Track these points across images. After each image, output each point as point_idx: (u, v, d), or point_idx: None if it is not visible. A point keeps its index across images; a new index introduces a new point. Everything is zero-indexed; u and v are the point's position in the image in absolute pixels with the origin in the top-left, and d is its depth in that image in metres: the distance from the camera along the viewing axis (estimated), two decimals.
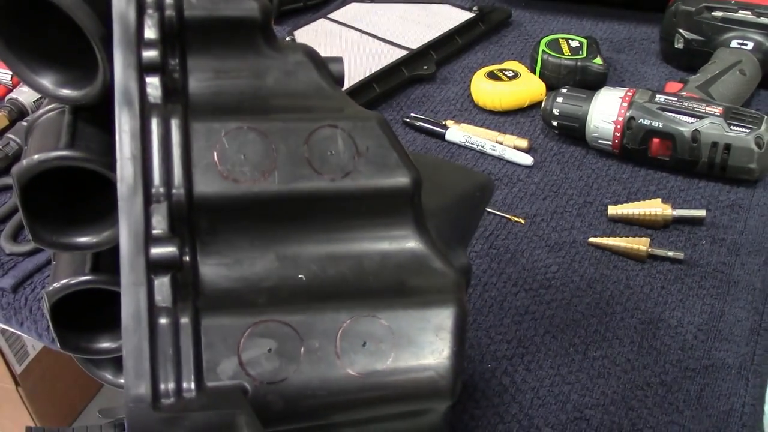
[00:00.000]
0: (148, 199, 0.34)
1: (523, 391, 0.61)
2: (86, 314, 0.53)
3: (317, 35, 1.04)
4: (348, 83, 0.91)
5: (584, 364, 0.63)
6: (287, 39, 1.04)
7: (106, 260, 0.50)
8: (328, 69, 0.41)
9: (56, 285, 0.50)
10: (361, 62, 0.97)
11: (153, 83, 0.36)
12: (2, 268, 0.76)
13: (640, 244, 0.72)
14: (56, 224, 0.48)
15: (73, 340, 0.54)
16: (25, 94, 0.96)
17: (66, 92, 0.45)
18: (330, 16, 1.09)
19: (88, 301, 0.51)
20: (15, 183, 0.44)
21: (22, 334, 0.85)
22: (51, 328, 0.52)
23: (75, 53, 0.44)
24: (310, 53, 0.40)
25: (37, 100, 0.96)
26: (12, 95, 0.97)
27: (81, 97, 0.45)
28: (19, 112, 0.95)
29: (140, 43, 0.36)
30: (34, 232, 0.46)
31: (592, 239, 0.74)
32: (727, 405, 0.59)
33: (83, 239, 0.48)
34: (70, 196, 0.50)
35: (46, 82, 0.45)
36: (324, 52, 0.42)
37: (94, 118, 0.47)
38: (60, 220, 0.48)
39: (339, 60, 0.41)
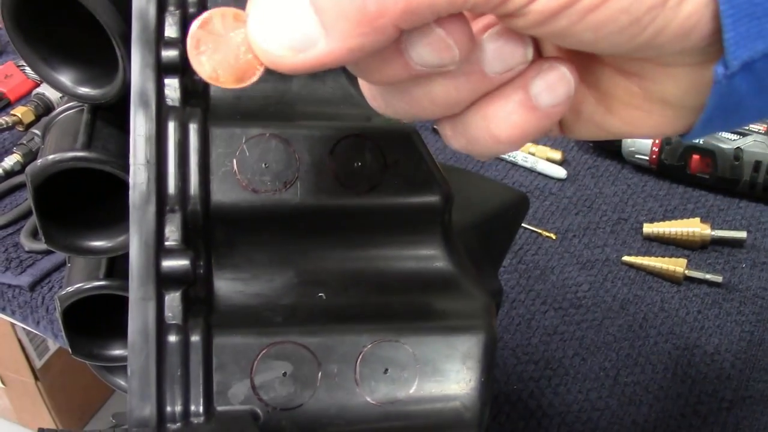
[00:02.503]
0: (162, 208, 0.32)
1: (549, 416, 0.58)
2: (99, 320, 0.51)
3: None
4: None
5: (615, 389, 0.60)
6: None
7: (122, 265, 0.48)
8: None
9: (69, 289, 0.48)
10: None
11: (172, 84, 0.34)
12: (21, 265, 0.75)
13: (676, 265, 0.69)
14: (71, 226, 0.46)
15: (85, 346, 0.52)
16: (52, 90, 0.95)
17: (85, 90, 0.44)
18: None
19: (102, 307, 0.49)
20: (28, 183, 0.42)
21: None
22: (55, 331, 0.50)
23: (95, 51, 0.42)
24: None
25: (63, 95, 0.95)
26: (39, 90, 0.96)
27: (100, 96, 0.44)
28: (45, 108, 0.94)
29: (160, 41, 0.34)
30: (47, 234, 0.45)
31: (626, 258, 0.71)
32: None
33: (97, 243, 0.46)
34: (87, 197, 0.48)
35: (65, 79, 0.44)
36: None
37: (113, 118, 0.46)
38: (75, 223, 0.46)
39: None
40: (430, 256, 0.36)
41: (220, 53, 0.24)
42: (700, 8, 0.22)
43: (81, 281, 0.48)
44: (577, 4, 0.22)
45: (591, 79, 0.27)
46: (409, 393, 0.33)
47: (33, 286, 0.74)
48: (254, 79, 0.24)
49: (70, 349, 0.51)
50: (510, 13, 0.22)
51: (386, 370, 0.33)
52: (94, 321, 0.52)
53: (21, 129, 0.93)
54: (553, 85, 0.25)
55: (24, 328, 1.34)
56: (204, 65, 0.24)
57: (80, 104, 0.47)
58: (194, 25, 0.24)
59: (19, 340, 1.38)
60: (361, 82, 0.28)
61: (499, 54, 0.25)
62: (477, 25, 0.25)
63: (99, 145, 0.43)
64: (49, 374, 1.48)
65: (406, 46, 0.23)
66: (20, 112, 0.92)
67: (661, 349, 0.63)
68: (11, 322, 1.12)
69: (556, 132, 0.29)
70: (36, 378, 1.47)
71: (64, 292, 0.48)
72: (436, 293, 0.36)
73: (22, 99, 0.98)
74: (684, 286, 0.69)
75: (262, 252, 0.35)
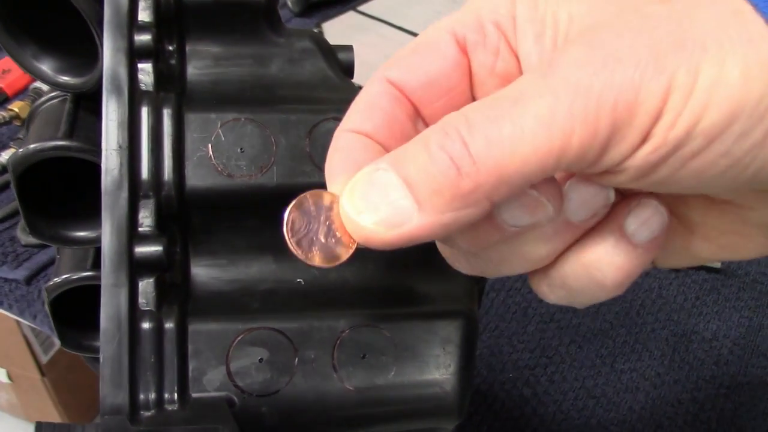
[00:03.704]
0: (135, 194, 0.32)
1: (545, 404, 0.58)
2: (88, 311, 0.51)
3: (346, 28, 1.02)
4: None
5: (611, 377, 0.60)
6: (315, 31, 1.01)
7: None
8: (336, 58, 0.38)
9: (56, 280, 0.48)
10: (389, 57, 0.94)
11: (145, 69, 0.33)
12: (17, 259, 0.75)
13: None
14: (56, 217, 0.46)
15: (75, 337, 0.52)
16: None
17: (65, 79, 0.43)
18: (360, 8, 1.06)
19: (91, 298, 0.49)
20: (11, 172, 0.42)
21: None
22: (51, 324, 0.50)
23: (76, 39, 0.42)
24: (318, 40, 0.37)
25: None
26: (36, 84, 0.96)
27: (81, 85, 0.43)
28: None
29: (133, 26, 0.33)
30: (31, 224, 0.45)
31: None
32: (763, 426, 0.56)
33: (82, 234, 0.46)
34: (72, 188, 0.48)
35: (46, 68, 0.43)
36: (354, 45, 0.40)
37: (95, 107, 0.45)
38: (60, 213, 0.46)
39: (349, 48, 0.38)
40: None
41: (313, 233, 0.25)
42: None
43: (68, 272, 0.48)
44: (677, 153, 0.21)
45: (681, 211, 0.26)
46: (387, 379, 0.32)
47: (29, 280, 0.74)
48: (347, 256, 0.25)
49: (59, 341, 0.51)
50: (605, 170, 0.22)
51: (364, 355, 0.32)
52: (84, 312, 0.51)
53: (18, 123, 0.92)
54: (647, 220, 0.25)
55: (29, 325, 1.35)
56: (300, 246, 0.25)
57: (63, 94, 0.47)
58: (289, 207, 0.25)
59: (25, 336, 1.39)
60: (440, 246, 0.28)
61: (582, 201, 0.24)
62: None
63: (81, 134, 0.43)
64: (55, 370, 1.48)
65: (499, 211, 0.23)
66: (17, 106, 0.92)
67: (658, 336, 0.63)
68: (17, 319, 1.12)
69: (647, 265, 0.28)
70: (42, 374, 1.47)
71: (51, 283, 0.48)
72: (416, 277, 0.35)
73: (20, 94, 0.98)
74: (682, 272, 0.68)
75: (240, 237, 0.34)
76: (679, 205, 0.26)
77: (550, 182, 0.23)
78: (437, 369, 0.33)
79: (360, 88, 0.29)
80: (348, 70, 0.38)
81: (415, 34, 0.99)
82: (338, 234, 0.25)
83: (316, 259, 0.25)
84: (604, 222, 0.25)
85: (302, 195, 0.25)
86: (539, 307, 0.65)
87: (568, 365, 0.61)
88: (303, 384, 0.32)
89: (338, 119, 0.35)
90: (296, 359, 0.32)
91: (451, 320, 0.33)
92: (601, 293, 0.25)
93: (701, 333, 0.63)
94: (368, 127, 0.26)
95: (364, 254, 0.36)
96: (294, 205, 0.25)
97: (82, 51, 0.43)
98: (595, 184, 0.24)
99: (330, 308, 0.33)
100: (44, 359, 1.46)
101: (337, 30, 1.02)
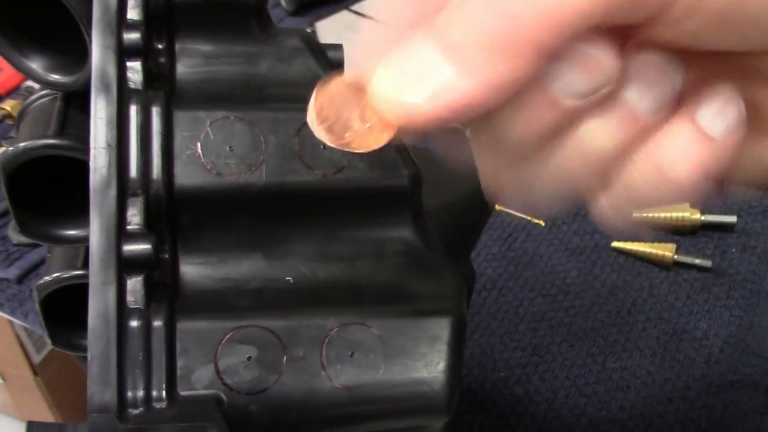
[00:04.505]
0: (123, 192, 0.32)
1: (536, 403, 0.58)
2: (79, 310, 0.51)
3: (339, 27, 1.02)
4: None
5: (602, 375, 0.60)
6: (308, 30, 1.01)
7: None
8: (326, 56, 0.38)
9: (46, 279, 0.48)
10: None
11: (134, 68, 0.33)
12: (8, 258, 0.75)
13: (665, 250, 0.68)
14: (46, 215, 0.46)
15: (65, 336, 0.52)
16: None
17: (55, 77, 0.43)
18: (353, 7, 1.06)
19: (81, 297, 0.49)
20: (1, 171, 0.42)
21: None
22: (42, 323, 0.50)
23: (66, 37, 0.42)
24: (307, 39, 0.37)
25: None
26: (28, 83, 0.96)
27: (71, 83, 0.43)
28: None
29: (121, 24, 0.33)
30: (21, 223, 0.45)
31: (615, 244, 0.71)
32: (753, 424, 0.56)
33: (73, 232, 0.46)
34: (63, 186, 0.48)
35: (36, 66, 0.43)
36: (346, 44, 0.40)
37: (86, 105, 0.45)
38: (50, 212, 0.46)
39: (338, 47, 0.38)
40: (400, 239, 0.36)
41: (344, 119, 0.22)
42: None
43: (59, 271, 0.48)
44: None
45: (748, 106, 0.23)
46: (375, 377, 0.32)
47: (21, 279, 0.74)
48: (387, 140, 0.22)
49: (50, 340, 0.51)
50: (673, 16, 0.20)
51: (352, 353, 0.32)
52: (74, 311, 0.51)
53: (11, 122, 0.92)
54: (722, 109, 0.23)
55: (21, 324, 1.34)
56: (332, 132, 0.23)
57: (54, 92, 0.47)
58: (315, 93, 0.23)
59: (17, 336, 1.39)
60: (484, 167, 0.26)
61: (645, 84, 0.22)
62: None
63: (71, 132, 0.43)
64: (47, 369, 1.48)
65: (549, 78, 0.21)
66: (10, 105, 0.92)
67: (649, 335, 0.63)
68: (9, 318, 1.12)
69: (726, 163, 0.26)
70: (35, 373, 1.47)
71: (41, 282, 0.48)
72: (405, 276, 0.35)
73: (12, 92, 0.98)
74: (673, 272, 0.68)
75: (230, 236, 0.34)
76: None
77: (603, 37, 0.21)
78: (425, 367, 0.33)
79: None
80: (337, 68, 0.38)
81: None
82: (374, 118, 0.22)
83: (353, 145, 0.22)
84: (674, 117, 0.23)
85: (326, 79, 0.23)
86: (531, 306, 0.66)
87: (560, 364, 0.61)
88: (291, 382, 0.32)
89: None
90: (285, 357, 0.32)
91: (439, 318, 0.33)
92: (673, 194, 0.23)
93: (692, 332, 0.63)
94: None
95: (353, 255, 0.36)
96: (320, 89, 0.22)
97: (72, 49, 0.43)
98: (655, 57, 0.22)
99: (319, 306, 0.33)
100: (37, 359, 1.45)
101: (330, 29, 1.02)
